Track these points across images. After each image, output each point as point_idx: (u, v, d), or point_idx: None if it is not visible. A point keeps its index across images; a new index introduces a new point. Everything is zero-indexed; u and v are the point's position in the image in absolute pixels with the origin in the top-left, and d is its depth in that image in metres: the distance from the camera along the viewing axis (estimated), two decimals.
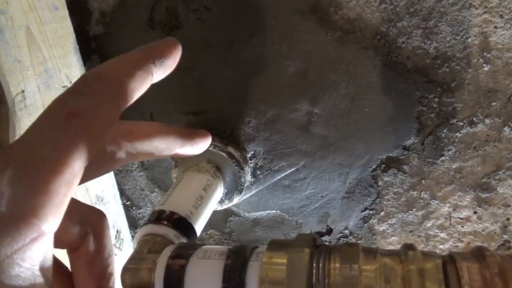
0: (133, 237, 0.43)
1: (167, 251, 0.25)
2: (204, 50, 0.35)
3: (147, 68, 0.19)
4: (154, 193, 0.43)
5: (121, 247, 0.40)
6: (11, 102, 0.26)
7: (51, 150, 0.16)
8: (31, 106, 0.28)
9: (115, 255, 0.39)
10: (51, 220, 0.16)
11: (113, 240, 0.38)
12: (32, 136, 0.16)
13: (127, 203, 0.43)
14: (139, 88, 0.19)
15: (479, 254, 0.20)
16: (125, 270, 0.25)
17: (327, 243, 0.25)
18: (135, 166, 0.42)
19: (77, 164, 0.16)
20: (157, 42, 0.21)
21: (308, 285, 0.21)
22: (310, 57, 0.33)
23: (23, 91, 0.27)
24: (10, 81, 0.26)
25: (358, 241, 0.40)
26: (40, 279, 0.16)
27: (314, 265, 0.21)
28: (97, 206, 0.36)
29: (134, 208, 0.44)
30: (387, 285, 0.20)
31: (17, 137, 0.26)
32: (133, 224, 0.44)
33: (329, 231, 0.38)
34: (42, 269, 0.16)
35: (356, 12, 0.32)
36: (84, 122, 0.17)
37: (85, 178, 0.18)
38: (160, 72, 0.20)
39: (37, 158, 0.16)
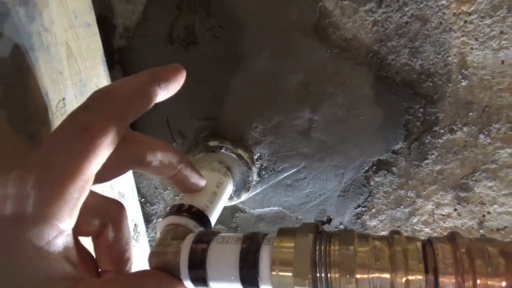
0: (147, 230, 0.47)
1: (190, 237, 0.29)
2: (217, 63, 0.39)
3: (152, 89, 0.22)
4: (167, 191, 0.47)
5: (138, 239, 0.44)
6: (54, 109, 0.30)
7: (66, 160, 0.19)
8: (69, 111, 0.32)
9: (133, 246, 0.43)
10: (68, 220, 0.19)
11: (131, 232, 0.42)
12: (50, 147, 0.19)
13: (141, 200, 0.47)
14: (143, 106, 0.22)
15: (451, 238, 0.24)
16: (153, 254, 0.29)
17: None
18: None
19: (89, 172, 0.19)
20: (164, 67, 0.24)
21: (312, 264, 0.25)
22: (311, 70, 0.38)
23: (63, 99, 0.31)
24: (54, 90, 0.30)
25: None
26: (67, 266, 0.19)
27: (317, 247, 0.25)
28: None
29: (148, 204, 0.47)
30: (377, 262, 0.24)
31: None
32: (147, 219, 0.48)
33: (329, 221, 0.43)
34: (67, 258, 0.19)
35: (352, 33, 0.36)
36: (95, 135, 0.19)
37: (97, 181, 0.21)
38: (164, 93, 0.23)
39: (55, 167, 0.18)
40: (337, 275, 0.24)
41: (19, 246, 0.18)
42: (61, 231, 0.19)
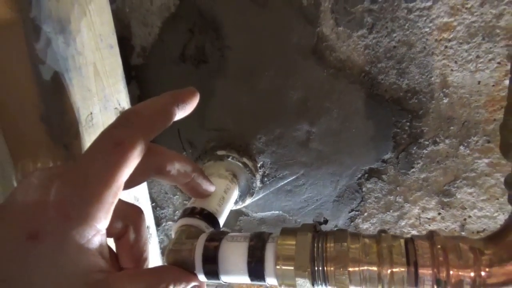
0: (157, 232, 0.51)
1: (203, 236, 0.33)
2: (225, 80, 0.43)
3: (172, 109, 0.26)
4: (176, 196, 0.51)
5: (150, 240, 0.47)
6: (84, 122, 0.34)
7: (102, 170, 0.22)
8: (96, 124, 0.36)
9: None
10: (104, 221, 0.22)
11: None
12: (88, 159, 0.23)
13: (152, 204, 0.51)
14: (164, 124, 0.26)
15: (430, 236, 0.28)
16: (170, 251, 0.33)
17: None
18: None
19: (121, 180, 0.22)
20: (181, 90, 0.28)
21: (311, 259, 0.29)
22: (310, 88, 0.42)
23: (91, 113, 0.35)
24: (83, 105, 0.34)
25: None
26: (102, 261, 0.23)
27: (315, 244, 0.29)
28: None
29: (158, 208, 0.51)
30: (366, 257, 0.28)
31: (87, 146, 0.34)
32: (157, 222, 0.51)
33: (326, 221, 0.47)
34: (102, 254, 0.23)
35: (346, 55, 0.41)
36: (126, 149, 0.23)
37: (124, 188, 0.24)
38: (181, 113, 0.27)
39: (94, 176, 0.22)
40: (332, 268, 0.28)
41: (66, 242, 0.21)
42: (98, 231, 0.22)
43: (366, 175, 0.45)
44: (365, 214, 0.47)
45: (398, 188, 0.45)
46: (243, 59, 0.42)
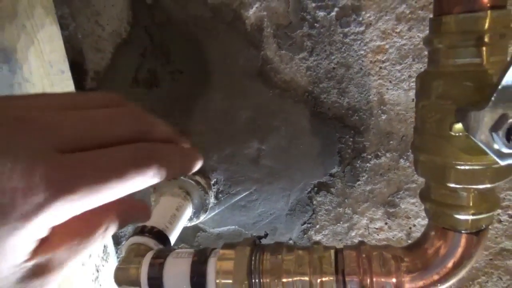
0: (116, 251, 0.51)
1: (150, 254, 0.34)
2: (176, 102, 0.45)
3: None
4: None
5: (107, 259, 0.48)
6: None
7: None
8: None
9: (102, 266, 0.47)
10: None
11: (100, 253, 0.47)
12: None
13: None
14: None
15: (358, 246, 0.31)
16: (118, 269, 0.34)
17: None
18: None
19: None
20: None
21: (248, 272, 0.31)
22: (258, 107, 0.44)
23: None
24: None
25: None
26: None
27: (253, 257, 0.31)
28: None
29: None
30: (299, 267, 0.30)
31: None
32: (116, 241, 0.52)
33: (266, 235, 0.48)
34: None
35: (290, 76, 0.43)
36: None
37: None
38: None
39: None
40: (268, 280, 0.30)
41: None
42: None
43: (316, 188, 0.47)
44: (317, 226, 0.49)
45: (346, 200, 0.47)
46: (192, 82, 0.44)
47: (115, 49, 0.44)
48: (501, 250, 0.45)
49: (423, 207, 0.47)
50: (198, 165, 0.21)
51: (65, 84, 0.41)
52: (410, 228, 0.48)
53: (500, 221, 0.45)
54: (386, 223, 0.48)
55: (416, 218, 0.47)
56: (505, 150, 0.20)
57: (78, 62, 0.45)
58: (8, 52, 0.32)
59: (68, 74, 0.42)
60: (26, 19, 0.35)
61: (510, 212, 0.44)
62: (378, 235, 0.48)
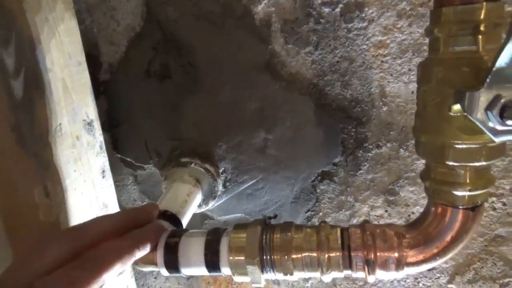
0: None
1: (165, 234, 0.36)
2: (187, 94, 0.47)
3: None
4: (144, 202, 0.53)
5: None
6: (53, 132, 0.37)
7: None
8: (64, 134, 0.39)
9: None
10: None
11: None
12: None
13: None
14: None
15: (362, 224, 0.33)
16: None
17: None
18: (130, 181, 0.53)
19: None
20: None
21: (260, 248, 0.32)
22: (265, 99, 0.46)
23: (60, 124, 0.38)
24: (53, 117, 0.37)
25: None
26: None
27: (264, 236, 0.33)
28: (103, 211, 0.46)
29: None
30: (307, 244, 0.32)
31: (56, 154, 0.37)
32: None
33: (275, 216, 0.50)
34: None
35: (296, 69, 0.45)
36: None
37: None
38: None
39: None
40: (278, 256, 0.32)
41: None
42: None
43: (319, 177, 0.49)
44: (320, 213, 0.51)
45: (348, 188, 0.49)
46: (203, 75, 0.46)
47: (129, 42, 0.46)
48: (496, 236, 0.48)
49: (421, 195, 0.49)
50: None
51: (82, 75, 0.43)
52: (409, 215, 0.50)
53: (494, 209, 0.47)
54: (386, 211, 0.50)
55: (415, 206, 0.49)
56: (499, 127, 0.22)
57: (93, 55, 0.46)
58: (34, 42, 0.34)
59: (84, 66, 0.43)
60: (48, 12, 0.37)
61: (504, 200, 0.46)
62: (378, 222, 0.50)
